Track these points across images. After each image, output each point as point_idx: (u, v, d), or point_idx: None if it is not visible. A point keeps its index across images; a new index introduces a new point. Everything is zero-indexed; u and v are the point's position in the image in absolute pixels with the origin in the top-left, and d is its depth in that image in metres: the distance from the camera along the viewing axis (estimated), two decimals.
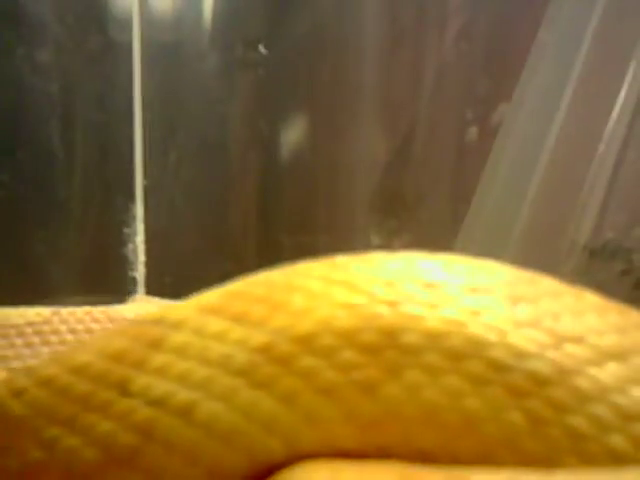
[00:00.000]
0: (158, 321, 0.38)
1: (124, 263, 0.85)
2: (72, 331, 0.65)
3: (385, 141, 0.91)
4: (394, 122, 0.90)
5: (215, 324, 0.36)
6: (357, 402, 0.33)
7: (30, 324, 0.65)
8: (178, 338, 0.36)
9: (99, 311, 0.67)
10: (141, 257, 0.86)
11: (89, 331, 0.65)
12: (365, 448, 0.33)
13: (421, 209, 0.88)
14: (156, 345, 0.36)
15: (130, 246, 0.85)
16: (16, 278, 0.84)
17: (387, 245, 0.86)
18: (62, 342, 0.64)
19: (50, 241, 0.85)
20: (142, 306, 0.69)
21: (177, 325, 0.37)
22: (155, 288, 0.86)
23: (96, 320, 0.66)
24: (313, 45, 0.91)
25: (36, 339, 0.64)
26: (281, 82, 0.91)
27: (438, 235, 0.87)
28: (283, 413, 0.33)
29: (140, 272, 0.85)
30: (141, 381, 0.36)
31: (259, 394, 0.34)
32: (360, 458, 0.33)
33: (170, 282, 0.88)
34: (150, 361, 0.36)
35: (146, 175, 0.87)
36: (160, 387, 0.35)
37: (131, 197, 0.86)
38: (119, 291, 0.84)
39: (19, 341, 0.64)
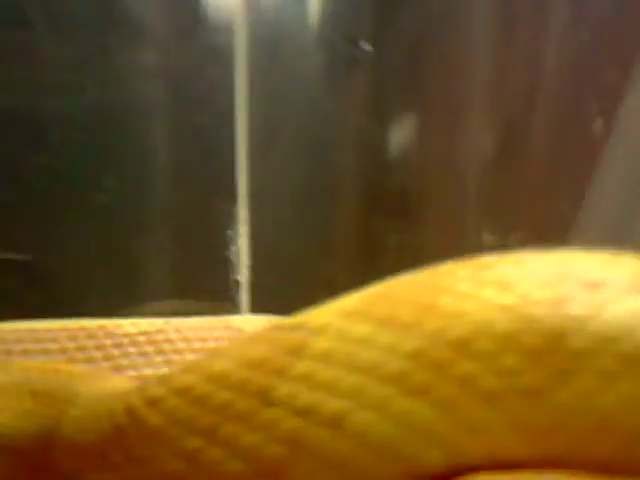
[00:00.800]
0: (298, 327, 0.36)
1: (227, 266, 0.85)
2: (185, 340, 0.64)
3: (495, 137, 0.89)
4: (506, 117, 0.88)
5: (360, 329, 0.35)
6: (522, 410, 0.31)
7: (143, 333, 0.65)
8: (321, 344, 0.35)
9: (213, 320, 0.66)
10: (245, 260, 0.85)
11: (202, 340, 0.65)
12: (532, 458, 0.32)
13: (536, 205, 0.85)
14: (298, 352, 0.35)
15: (233, 249, 0.84)
16: (119, 282, 0.84)
17: (501, 244, 0.84)
18: (176, 351, 0.64)
19: (153, 245, 0.85)
20: (256, 319, 0.68)
21: (319, 330, 0.36)
22: (260, 292, 0.85)
23: (210, 328, 0.65)
24: (420, 41, 0.89)
25: (150, 348, 0.64)
26: (388, 80, 0.90)
27: (553, 232, 0.85)
28: (442, 421, 0.32)
29: (244, 275, 0.85)
30: (284, 389, 0.35)
31: (414, 402, 0.32)
32: (527, 469, 0.31)
33: (275, 285, 0.87)
34: (293, 368, 0.35)
35: (250, 177, 0.86)
36: (306, 396, 0.34)
37: (234, 199, 0.85)
38: (223, 295, 0.83)
39: (133, 350, 0.64)
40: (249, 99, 0.87)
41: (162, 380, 0.38)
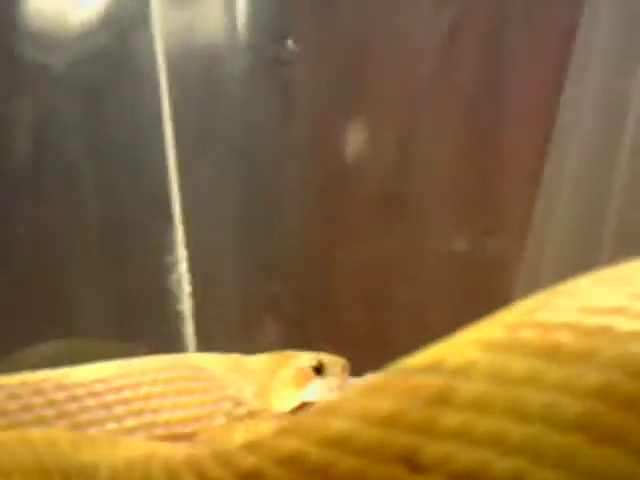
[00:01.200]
0: (432, 368, 0.30)
1: (168, 296, 0.77)
2: (152, 383, 0.57)
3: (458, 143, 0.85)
4: (460, 117, 0.84)
5: (518, 365, 0.29)
6: None
7: (100, 381, 0.57)
8: (471, 389, 0.29)
9: (170, 359, 0.59)
10: (186, 288, 0.77)
11: (169, 381, 0.57)
12: None
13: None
14: (442, 401, 0.29)
15: (173, 276, 0.77)
16: (45, 314, 0.75)
17: (478, 249, 0.79)
18: (143, 398, 0.56)
19: (80, 277, 0.77)
20: (216, 357, 0.61)
21: (463, 371, 0.30)
22: (204, 322, 0.77)
23: (171, 368, 0.58)
24: (351, 40, 0.84)
25: (111, 397, 0.56)
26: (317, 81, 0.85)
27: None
28: None
29: (186, 305, 0.77)
30: (433, 450, 0.29)
31: (607, 452, 0.27)
32: None
33: (220, 313, 0.80)
34: (440, 423, 0.29)
35: (183, 193, 0.78)
36: (464, 455, 0.28)
37: (169, 219, 0.77)
38: (165, 329, 0.76)
39: (92, 402, 0.56)
40: (174, 109, 0.80)
41: (250, 447, 0.31)
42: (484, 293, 0.81)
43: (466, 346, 0.30)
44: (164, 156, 0.79)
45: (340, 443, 0.29)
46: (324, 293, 0.85)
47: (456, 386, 0.29)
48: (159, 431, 0.55)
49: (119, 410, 0.56)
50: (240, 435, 0.45)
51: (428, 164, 0.83)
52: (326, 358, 0.61)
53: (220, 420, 0.55)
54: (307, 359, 0.60)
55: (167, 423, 0.55)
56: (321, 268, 0.85)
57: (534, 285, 0.75)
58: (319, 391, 0.58)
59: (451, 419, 0.29)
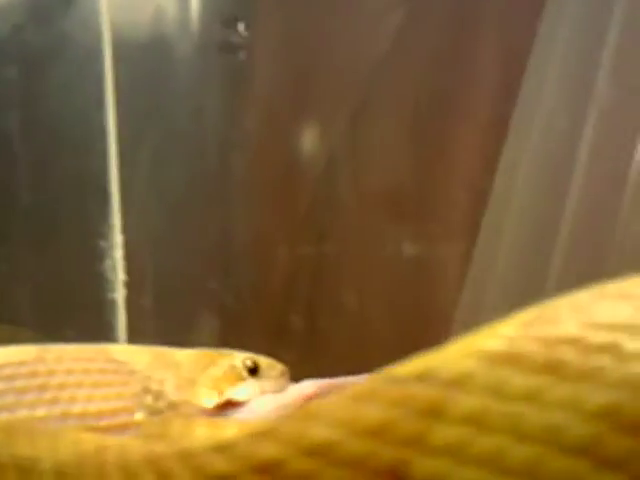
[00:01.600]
0: (425, 377, 0.29)
1: (101, 283, 0.74)
2: (67, 372, 0.55)
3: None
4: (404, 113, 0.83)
5: (519, 380, 0.28)
6: None
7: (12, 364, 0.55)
8: (467, 402, 0.28)
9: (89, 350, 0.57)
10: (120, 275, 0.75)
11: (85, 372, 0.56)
12: None
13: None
14: (435, 413, 0.28)
15: (108, 262, 0.74)
16: None
17: (426, 254, 0.78)
18: (59, 386, 0.54)
19: (10, 260, 0.74)
20: (140, 350, 0.59)
21: (459, 383, 0.28)
22: (137, 312, 0.75)
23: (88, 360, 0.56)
24: (302, 25, 0.83)
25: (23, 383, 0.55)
26: (268, 70, 0.83)
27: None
28: None
29: (120, 293, 0.75)
30: (424, 465, 0.27)
31: (611, 478, 0.26)
32: None
33: (154, 304, 0.77)
34: (432, 437, 0.27)
35: (122, 176, 0.76)
36: (458, 473, 0.27)
37: (106, 203, 0.75)
38: (95, 317, 0.73)
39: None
40: (117, 88, 0.77)
41: (221, 450, 0.29)
42: (426, 300, 0.81)
43: (462, 356, 0.29)
44: (104, 136, 0.76)
45: (323, 452, 0.28)
46: (263, 291, 0.83)
47: (451, 398, 0.28)
48: (72, 422, 0.53)
49: (31, 397, 0.54)
50: (202, 432, 0.43)
51: (376, 160, 0.82)
52: (263, 360, 0.59)
53: (139, 414, 0.54)
54: (241, 358, 0.58)
55: (82, 415, 0.54)
56: (262, 265, 0.84)
57: (479, 295, 0.75)
58: (249, 392, 0.57)
59: (444, 433, 0.27)
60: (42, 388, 0.54)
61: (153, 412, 0.54)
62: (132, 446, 0.33)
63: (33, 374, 0.54)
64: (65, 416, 0.53)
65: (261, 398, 0.56)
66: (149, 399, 0.54)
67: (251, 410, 0.54)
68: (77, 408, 0.53)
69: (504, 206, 0.76)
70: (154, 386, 0.54)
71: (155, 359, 0.57)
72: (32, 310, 0.74)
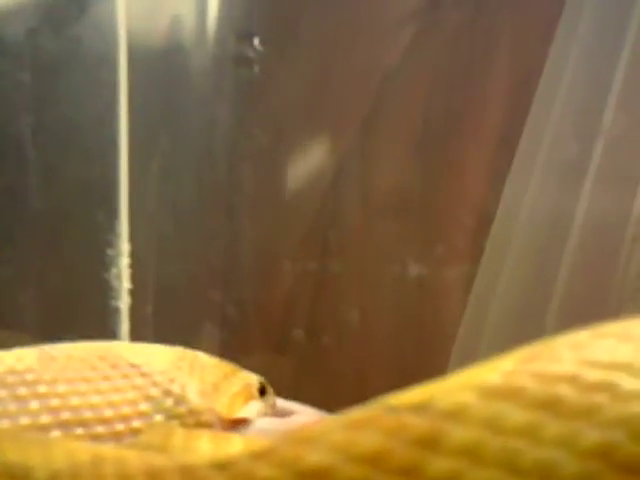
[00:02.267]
0: (421, 408, 0.29)
1: (106, 291, 0.74)
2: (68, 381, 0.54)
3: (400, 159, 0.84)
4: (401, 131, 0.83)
5: (515, 414, 0.28)
6: None
7: (12, 372, 0.54)
8: (463, 434, 0.28)
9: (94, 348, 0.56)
10: (125, 283, 0.75)
11: (87, 381, 0.55)
12: None
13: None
14: (431, 443, 0.28)
15: (114, 270, 0.74)
16: None
17: (430, 274, 0.78)
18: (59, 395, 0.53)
19: (17, 265, 0.74)
20: (142, 347, 0.58)
21: (455, 414, 0.28)
22: (140, 321, 0.75)
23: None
24: (316, 39, 0.83)
25: (24, 390, 0.54)
26: (281, 84, 0.83)
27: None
28: None
29: (124, 301, 0.75)
30: None
31: None
32: None
33: (157, 314, 0.77)
34: (427, 467, 0.27)
35: (131, 185, 0.76)
36: None
37: (114, 212, 0.75)
38: (99, 325, 0.73)
39: (3, 393, 0.53)
40: (130, 98, 0.77)
41: (221, 468, 0.30)
42: (428, 320, 0.81)
43: (458, 389, 0.29)
44: (115, 144, 0.76)
45: (318, 476, 0.28)
46: (266, 304, 0.83)
47: (446, 430, 0.28)
48: (76, 430, 0.52)
49: (34, 405, 0.53)
50: (206, 446, 0.43)
51: (382, 178, 0.83)
52: (266, 383, 0.60)
53: (159, 417, 0.53)
54: (253, 377, 0.59)
55: (82, 422, 0.53)
56: (266, 278, 0.84)
57: (481, 316, 0.75)
58: (256, 411, 0.57)
59: (439, 465, 0.27)
60: (44, 396, 0.53)
61: (172, 416, 0.53)
62: (130, 459, 0.33)
63: (35, 382, 0.53)
64: (67, 424, 0.52)
65: (266, 419, 0.56)
66: (169, 402, 0.53)
67: (259, 429, 0.55)
68: (78, 415, 0.52)
69: (508, 229, 0.76)
70: (176, 389, 0.54)
71: (178, 360, 0.56)
72: (36, 315, 0.74)
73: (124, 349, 0.57)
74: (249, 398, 0.57)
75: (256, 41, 0.82)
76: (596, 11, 0.73)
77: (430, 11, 0.82)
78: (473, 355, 0.72)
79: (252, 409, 0.56)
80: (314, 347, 0.82)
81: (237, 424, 0.54)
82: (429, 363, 0.78)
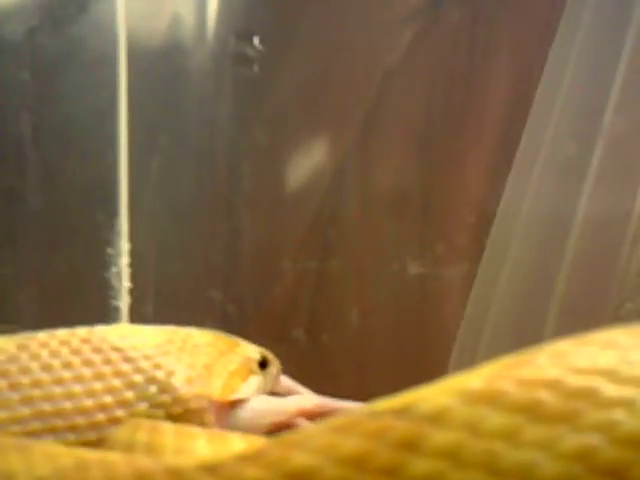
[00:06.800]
0: (403, 411, 0.29)
1: (106, 290, 0.75)
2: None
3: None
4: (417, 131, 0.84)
5: (495, 418, 0.28)
6: None
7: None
8: (444, 437, 0.28)
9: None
10: (125, 283, 0.75)
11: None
12: None
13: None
14: (412, 445, 0.29)
15: (114, 269, 0.75)
16: None
17: (430, 273, 0.79)
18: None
19: (16, 264, 0.74)
20: (129, 329, 0.58)
21: (436, 418, 0.29)
22: (140, 321, 0.75)
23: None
24: (317, 39, 0.84)
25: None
26: (280, 83, 0.83)
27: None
28: None
29: (124, 301, 0.75)
30: None
31: None
32: None
33: (157, 313, 0.78)
34: (408, 469, 0.28)
35: (131, 183, 0.77)
36: None
37: (114, 210, 0.75)
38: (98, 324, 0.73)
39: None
40: (130, 97, 0.78)
41: (208, 471, 0.30)
42: (428, 318, 0.81)
43: (440, 393, 0.29)
44: (115, 143, 0.77)
45: (303, 477, 0.28)
46: (266, 303, 0.84)
47: (427, 432, 0.28)
48: (51, 422, 0.51)
49: (24, 411, 0.52)
50: (203, 447, 0.43)
51: (383, 177, 0.83)
52: (268, 354, 0.58)
53: (143, 405, 0.51)
54: (254, 350, 0.57)
55: (57, 413, 0.51)
56: (266, 277, 0.84)
57: (482, 315, 0.75)
58: (255, 386, 0.55)
59: (420, 466, 0.28)
60: (13, 388, 0.51)
61: (156, 405, 0.51)
62: (116, 463, 0.34)
63: (4, 373, 0.52)
64: (40, 415, 0.51)
65: (262, 398, 0.55)
66: (153, 389, 0.52)
67: (253, 409, 0.53)
68: (52, 406, 0.51)
69: (509, 228, 0.76)
70: (160, 376, 0.52)
71: (167, 342, 0.55)
72: (36, 315, 0.75)
73: (110, 331, 0.56)
74: (248, 374, 0.55)
75: (256, 40, 0.82)
76: (597, 11, 0.73)
77: (430, 10, 0.82)
78: (473, 354, 0.73)
79: (250, 387, 0.54)
80: (314, 346, 0.83)
81: (233, 405, 0.53)
82: (429, 362, 0.78)
